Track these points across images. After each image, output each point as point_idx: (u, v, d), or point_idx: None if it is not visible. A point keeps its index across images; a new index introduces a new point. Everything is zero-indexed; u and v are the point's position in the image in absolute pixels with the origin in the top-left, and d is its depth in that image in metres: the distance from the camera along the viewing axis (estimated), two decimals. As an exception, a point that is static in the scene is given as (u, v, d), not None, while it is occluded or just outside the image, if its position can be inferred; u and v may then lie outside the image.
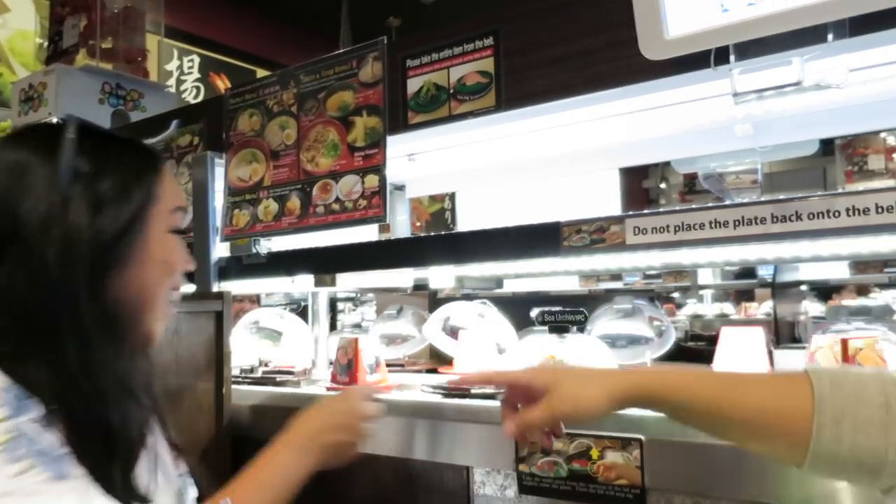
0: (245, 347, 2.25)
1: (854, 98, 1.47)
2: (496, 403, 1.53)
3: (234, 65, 7.38)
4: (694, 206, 1.35)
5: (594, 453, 1.33)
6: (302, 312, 2.52)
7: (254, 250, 2.02)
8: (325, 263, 1.92)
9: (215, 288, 2.05)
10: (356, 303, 6.61)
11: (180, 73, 7.02)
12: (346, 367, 1.83)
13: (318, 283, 1.98)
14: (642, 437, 1.28)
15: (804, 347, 1.67)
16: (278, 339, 2.24)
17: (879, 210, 1.17)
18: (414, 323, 2.32)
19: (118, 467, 0.85)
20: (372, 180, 1.78)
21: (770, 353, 1.70)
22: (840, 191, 1.24)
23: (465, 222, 3.10)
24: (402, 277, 2.08)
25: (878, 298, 5.35)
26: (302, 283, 2.05)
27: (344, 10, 6.77)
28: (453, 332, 2.14)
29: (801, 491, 1.12)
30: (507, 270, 1.95)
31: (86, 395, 0.85)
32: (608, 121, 1.71)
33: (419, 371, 2.25)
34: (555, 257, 1.51)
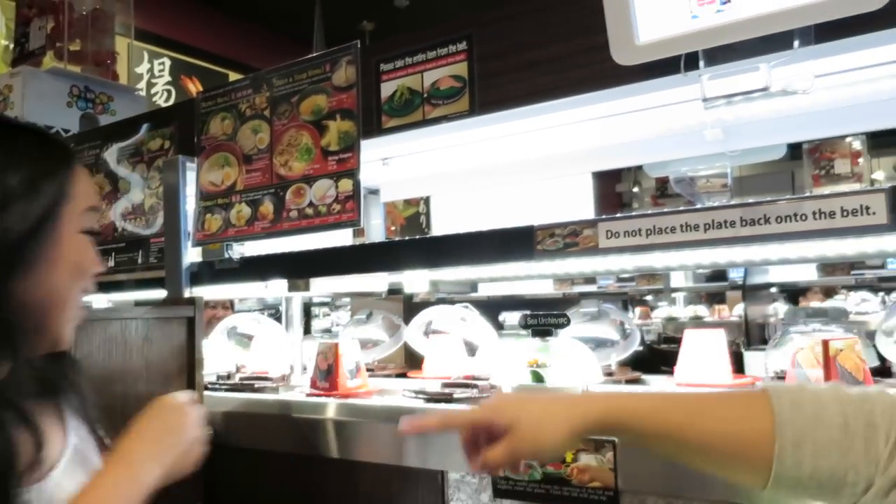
0: (222, 353, 2.22)
1: (820, 103, 1.50)
2: (451, 407, 1.54)
3: (206, 68, 7.31)
4: (665, 209, 1.36)
5: (568, 456, 1.34)
6: (277, 317, 2.50)
7: (226, 255, 2.00)
8: (298, 268, 1.91)
9: (187, 294, 2.03)
10: (331, 307, 6.58)
11: (151, 76, 6.94)
12: (327, 373, 1.81)
13: (291, 288, 1.96)
14: (615, 440, 1.29)
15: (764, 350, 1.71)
16: (256, 344, 2.22)
17: (844, 213, 1.19)
18: (384, 328, 2.32)
19: None
20: (346, 184, 1.78)
21: (737, 354, 1.74)
22: (807, 194, 1.26)
23: (440, 226, 3.10)
24: (377, 282, 2.07)
25: (847, 300, 5.47)
26: (275, 288, 2.04)
27: (317, 13, 6.74)
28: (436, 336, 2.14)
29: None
30: (481, 274, 1.95)
31: None
32: (581, 125, 1.73)
33: (389, 375, 2.24)
34: (529, 261, 1.52)
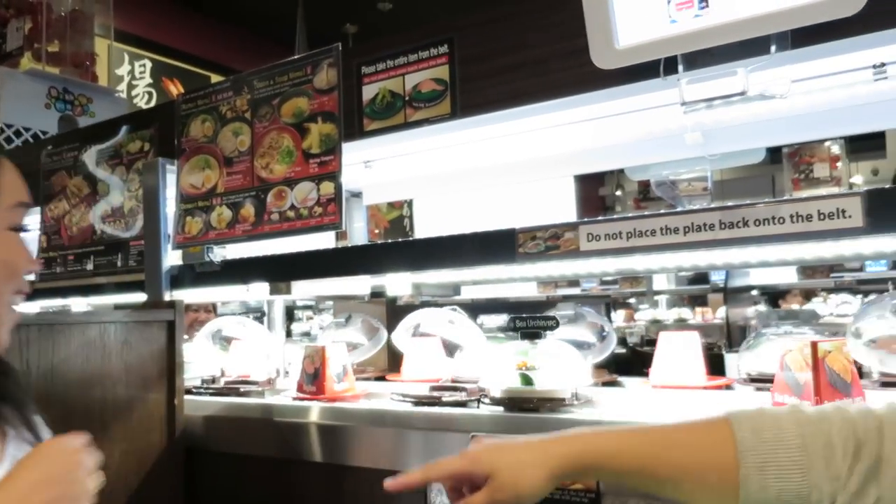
0: (206, 357, 2.19)
1: (798, 108, 1.52)
2: (457, 411, 1.53)
3: (187, 70, 7.26)
4: (646, 213, 1.37)
5: (550, 458, 1.34)
6: (261, 320, 2.48)
7: (207, 258, 1.98)
8: (280, 271, 1.90)
9: (167, 297, 2.01)
10: (315, 311, 6.55)
11: (131, 78, 6.88)
12: (313, 377, 1.79)
13: (273, 292, 1.95)
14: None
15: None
16: (241, 347, 2.20)
17: (822, 217, 1.20)
18: (363, 331, 2.31)
19: None
20: (327, 187, 1.77)
21: (718, 356, 1.75)
22: (785, 198, 1.27)
23: (423, 229, 3.10)
24: (360, 285, 2.06)
25: (827, 303, 5.53)
26: (257, 292, 2.02)
27: (300, 16, 6.72)
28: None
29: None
30: (464, 277, 1.95)
31: None
32: (562, 129, 1.74)
33: (368, 379, 2.23)
34: (511, 264, 1.52)
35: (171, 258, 2.05)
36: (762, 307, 5.28)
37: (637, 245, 1.36)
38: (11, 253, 0.91)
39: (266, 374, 2.06)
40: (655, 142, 1.75)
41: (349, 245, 2.27)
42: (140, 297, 2.07)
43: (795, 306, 5.56)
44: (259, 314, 2.63)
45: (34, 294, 2.45)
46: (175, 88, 6.93)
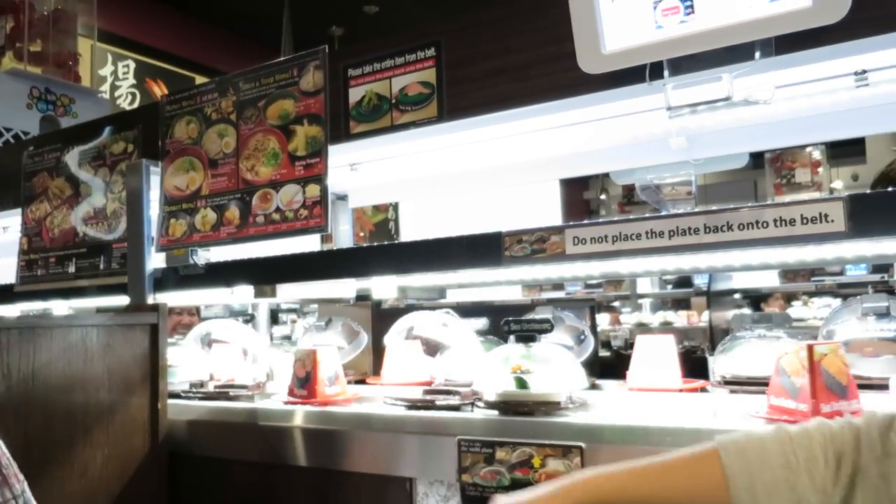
0: (195, 360, 2.16)
1: (781, 113, 1.54)
2: (451, 415, 1.52)
3: (172, 71, 7.21)
4: (631, 216, 1.38)
5: (536, 462, 1.34)
6: (244, 324, 2.46)
7: (191, 261, 1.97)
8: (265, 274, 1.88)
9: (150, 300, 1.99)
10: (299, 314, 6.52)
11: (115, 79, 6.82)
12: (304, 381, 1.77)
13: (258, 295, 1.93)
14: (583, 445, 1.30)
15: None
16: (230, 351, 2.17)
17: (804, 221, 1.22)
18: (343, 334, 2.30)
19: None
20: (313, 190, 1.76)
21: (702, 359, 1.76)
22: (768, 202, 1.29)
23: (409, 232, 3.10)
24: (345, 288, 2.06)
25: (810, 306, 5.59)
26: (241, 295, 2.01)
27: (286, 18, 6.70)
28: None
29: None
30: (450, 280, 1.95)
31: None
32: (549, 133, 1.74)
33: (349, 382, 2.22)
34: (497, 267, 1.52)
35: (155, 261, 2.04)
36: (747, 310, 5.32)
37: (622, 249, 1.37)
38: None
39: (256, 377, 2.04)
40: (640, 146, 1.76)
41: (334, 248, 2.27)
42: (123, 300, 2.05)
43: (776, 310, 5.61)
44: (245, 317, 2.61)
45: (15, 297, 2.42)
46: (159, 89, 6.87)
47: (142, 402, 1.79)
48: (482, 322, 2.16)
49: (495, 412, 1.49)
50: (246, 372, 2.07)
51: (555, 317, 1.95)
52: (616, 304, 7.23)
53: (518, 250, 1.48)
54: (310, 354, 1.79)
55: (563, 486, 0.94)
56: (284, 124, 1.84)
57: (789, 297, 5.95)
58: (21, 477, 1.00)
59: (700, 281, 5.98)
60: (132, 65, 6.95)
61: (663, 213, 1.52)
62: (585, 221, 1.43)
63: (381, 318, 2.57)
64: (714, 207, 1.30)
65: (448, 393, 1.62)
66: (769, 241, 1.25)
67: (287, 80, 1.85)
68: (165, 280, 2.01)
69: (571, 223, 1.44)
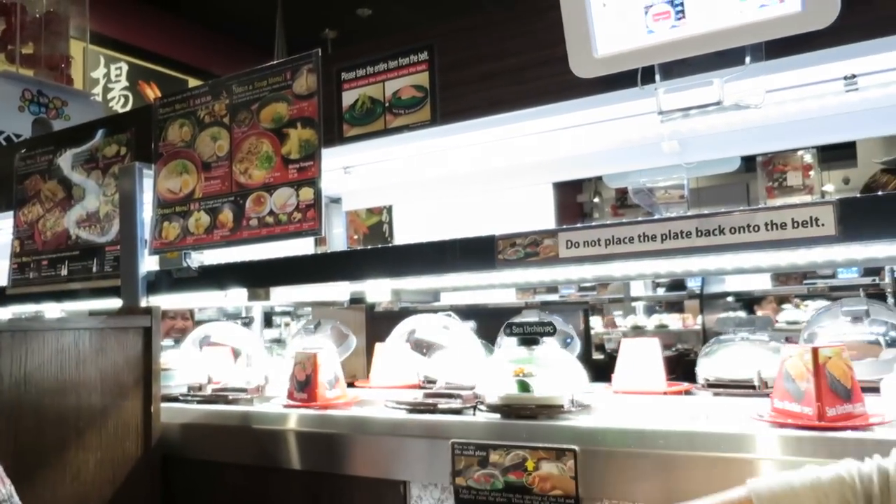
0: (193, 363, 2.14)
1: (771, 118, 1.55)
2: (453, 418, 1.51)
3: (165, 74, 7.20)
4: (624, 220, 1.39)
5: (529, 465, 1.35)
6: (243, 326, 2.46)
7: (184, 264, 1.96)
8: (258, 277, 1.88)
9: (143, 303, 1.98)
10: (293, 317, 6.51)
11: (107, 81, 6.80)
12: (304, 384, 1.76)
13: (251, 298, 1.93)
14: (576, 448, 1.31)
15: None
16: (228, 354, 2.16)
17: (795, 225, 1.22)
18: (333, 337, 2.29)
19: None
20: (307, 193, 1.76)
21: (694, 362, 1.78)
22: (759, 206, 1.29)
23: (403, 235, 3.10)
24: (339, 291, 2.06)
25: (804, 309, 5.62)
26: (235, 298, 2.00)
27: (279, 21, 6.70)
28: (418, 345, 2.11)
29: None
30: (444, 283, 1.95)
31: None
32: (541, 136, 1.75)
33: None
34: (490, 270, 1.53)
35: (148, 264, 2.03)
36: (732, 314, 5.35)
37: (615, 252, 1.38)
38: None
39: (255, 381, 2.03)
40: (633, 150, 1.77)
41: (328, 251, 2.27)
42: (116, 303, 2.04)
43: (769, 313, 5.64)
44: (239, 320, 2.61)
45: (6, 300, 2.41)
46: (152, 92, 6.86)
47: (135, 405, 1.79)
48: (470, 325, 2.15)
49: (497, 416, 1.48)
50: (244, 375, 2.06)
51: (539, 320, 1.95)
52: (611, 306, 7.24)
53: (511, 254, 1.48)
54: (310, 358, 1.78)
55: None
56: (278, 127, 1.84)
57: (781, 300, 5.98)
58: (7, 481, 1.00)
59: (693, 284, 6.01)
60: (125, 67, 6.94)
61: (656, 216, 1.52)
62: (578, 225, 1.43)
63: (375, 321, 2.58)
64: (706, 211, 1.31)
65: (450, 396, 1.61)
66: (761, 245, 1.25)
67: (280, 83, 1.85)
68: (158, 283, 2.01)
69: (564, 227, 1.45)
